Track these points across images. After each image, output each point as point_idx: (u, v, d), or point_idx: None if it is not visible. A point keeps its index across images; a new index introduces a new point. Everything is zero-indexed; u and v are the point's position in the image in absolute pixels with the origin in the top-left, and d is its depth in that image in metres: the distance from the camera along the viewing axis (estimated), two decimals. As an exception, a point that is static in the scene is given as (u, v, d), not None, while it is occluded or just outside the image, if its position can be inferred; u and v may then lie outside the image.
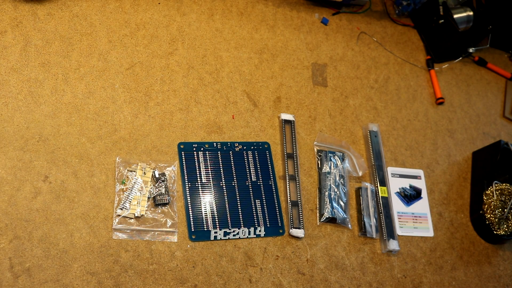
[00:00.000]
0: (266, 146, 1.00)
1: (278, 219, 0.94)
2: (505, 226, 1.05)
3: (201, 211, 0.90)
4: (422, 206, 1.07)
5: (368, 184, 1.03)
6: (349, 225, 0.98)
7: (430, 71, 1.25)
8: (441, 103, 1.22)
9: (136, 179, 0.88)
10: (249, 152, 0.98)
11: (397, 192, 1.07)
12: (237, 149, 0.98)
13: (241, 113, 1.02)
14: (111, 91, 0.94)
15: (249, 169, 0.97)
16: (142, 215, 0.86)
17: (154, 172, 0.90)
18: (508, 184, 1.07)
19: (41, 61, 0.92)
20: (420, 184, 1.10)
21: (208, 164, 0.94)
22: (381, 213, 1.01)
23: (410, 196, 1.07)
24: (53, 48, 0.94)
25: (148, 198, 0.88)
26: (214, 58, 1.05)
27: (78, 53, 0.95)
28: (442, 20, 1.24)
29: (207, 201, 0.91)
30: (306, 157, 1.02)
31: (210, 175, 0.94)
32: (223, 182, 0.94)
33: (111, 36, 0.99)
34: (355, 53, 1.20)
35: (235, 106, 1.02)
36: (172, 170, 0.91)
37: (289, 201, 0.96)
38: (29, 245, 0.79)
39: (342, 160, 1.03)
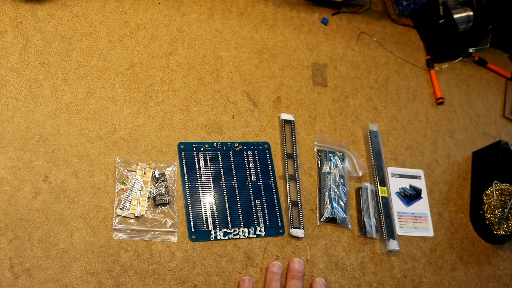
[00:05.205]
0: (266, 146, 1.00)
1: (278, 219, 0.94)
2: (505, 226, 1.05)
3: (201, 211, 0.90)
4: (422, 206, 1.07)
5: (368, 184, 1.03)
6: (349, 225, 0.98)
7: (430, 71, 1.25)
8: (441, 103, 1.22)
9: (136, 179, 0.88)
10: (249, 152, 0.98)
11: (397, 192, 1.07)
12: (237, 149, 0.98)
13: (241, 113, 1.02)
14: (111, 91, 0.94)
15: (249, 169, 0.97)
16: (142, 215, 0.86)
17: (154, 172, 0.90)
18: (508, 184, 1.07)
19: (41, 61, 0.92)
20: (420, 184, 1.10)
21: (208, 164, 0.94)
22: (381, 213, 1.01)
23: (410, 196, 1.07)
24: (53, 48, 0.94)
25: (148, 198, 0.88)
26: (214, 58, 1.05)
27: (78, 53, 0.95)
28: (442, 20, 1.24)
29: (207, 201, 0.91)
30: (306, 157, 1.02)
31: (210, 175, 0.94)
32: (223, 182, 0.94)
33: (111, 36, 0.99)
34: (355, 53, 1.20)
35: (235, 106, 1.02)
36: (172, 170, 0.91)
37: (289, 201, 0.96)
38: (29, 245, 0.79)
39: (342, 160, 1.03)
